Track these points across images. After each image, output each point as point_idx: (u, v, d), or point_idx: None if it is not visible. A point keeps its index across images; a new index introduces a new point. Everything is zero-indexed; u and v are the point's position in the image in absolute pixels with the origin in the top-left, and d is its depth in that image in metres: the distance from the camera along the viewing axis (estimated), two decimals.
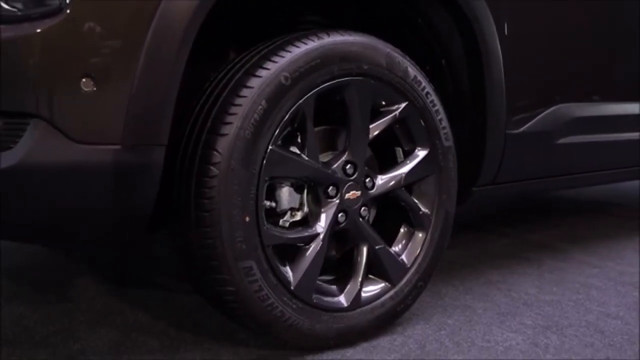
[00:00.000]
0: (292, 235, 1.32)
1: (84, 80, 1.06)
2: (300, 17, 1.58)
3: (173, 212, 1.26)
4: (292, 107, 1.26)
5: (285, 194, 1.33)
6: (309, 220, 1.37)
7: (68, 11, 1.03)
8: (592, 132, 1.92)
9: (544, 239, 2.51)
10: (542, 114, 1.77)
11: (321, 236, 1.34)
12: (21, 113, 1.05)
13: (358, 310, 1.41)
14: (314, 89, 1.29)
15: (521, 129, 1.72)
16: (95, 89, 1.06)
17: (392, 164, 1.50)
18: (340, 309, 1.38)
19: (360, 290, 1.41)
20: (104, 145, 1.09)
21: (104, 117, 1.08)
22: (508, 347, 1.42)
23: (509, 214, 3.11)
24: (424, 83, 1.46)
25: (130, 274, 1.99)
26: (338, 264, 1.48)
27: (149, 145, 1.12)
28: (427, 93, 1.47)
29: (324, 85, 1.30)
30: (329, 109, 1.37)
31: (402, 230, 1.53)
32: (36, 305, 1.64)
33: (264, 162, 1.23)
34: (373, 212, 1.51)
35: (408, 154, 1.50)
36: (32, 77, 1.04)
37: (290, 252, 1.34)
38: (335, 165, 1.37)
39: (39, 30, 1.03)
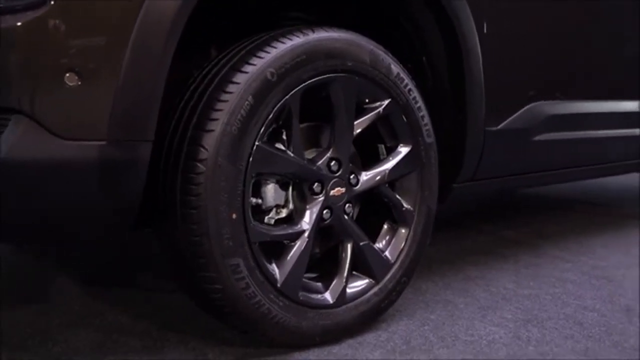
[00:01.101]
0: (279, 232, 1.31)
1: (68, 74, 1.03)
2: (283, 13, 1.57)
3: (157, 210, 1.24)
4: (278, 103, 1.25)
5: (271, 190, 1.33)
6: (294, 217, 1.36)
7: (52, 2, 1.01)
8: (566, 130, 1.96)
9: (518, 235, 2.56)
10: (519, 112, 1.80)
11: (307, 233, 1.34)
12: (1, 108, 1.02)
13: (343, 307, 1.41)
14: (300, 85, 1.28)
15: (499, 126, 1.75)
16: (79, 83, 1.03)
17: (375, 160, 1.51)
18: (326, 306, 1.38)
19: (345, 287, 1.41)
20: (89, 141, 1.06)
21: (89, 113, 1.05)
22: (491, 341, 1.44)
23: (487, 211, 3.16)
24: (407, 80, 1.47)
25: (106, 274, 1.95)
26: (321, 261, 1.47)
27: (135, 141, 1.10)
28: (410, 90, 1.48)
29: (309, 82, 1.30)
30: (311, 105, 1.36)
31: (385, 226, 1.53)
32: (8, 307, 1.59)
33: (251, 158, 1.22)
34: (357, 209, 1.51)
35: (391, 151, 1.51)
36: (14, 71, 1.01)
37: (276, 249, 1.33)
38: (320, 162, 1.37)
39: (21, 23, 1.00)
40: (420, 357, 1.35)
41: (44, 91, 1.02)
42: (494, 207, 3.29)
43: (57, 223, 1.11)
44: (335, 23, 1.40)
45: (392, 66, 1.44)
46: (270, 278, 1.28)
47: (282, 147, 1.32)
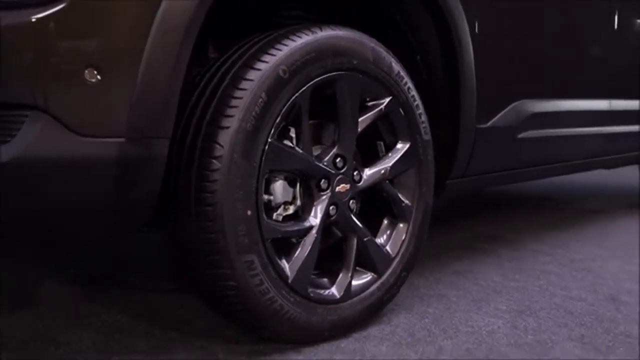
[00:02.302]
0: (290, 228, 1.32)
1: (87, 70, 1.01)
2: (284, 12, 1.58)
3: (167, 207, 1.23)
4: (289, 100, 1.26)
5: (280, 187, 1.33)
6: (302, 213, 1.37)
7: None
8: (548, 127, 2.03)
9: (493, 230, 2.63)
10: (505, 110, 1.86)
11: (315, 229, 1.35)
12: (19, 105, 1.00)
13: (349, 301, 1.43)
14: (309, 82, 1.30)
15: (488, 124, 1.80)
16: (99, 79, 1.02)
17: (374, 157, 1.53)
18: (334, 301, 1.39)
19: (350, 282, 1.43)
20: (107, 138, 1.05)
21: (107, 109, 1.04)
22: (491, 331, 1.48)
23: (457, 207, 3.23)
24: (406, 78, 1.50)
25: (97, 275, 1.91)
26: (323, 257, 1.49)
27: (153, 138, 1.09)
28: (409, 88, 1.51)
29: (317, 79, 1.31)
30: (314, 103, 1.37)
31: (385, 222, 1.56)
32: (3, 310, 1.55)
33: (264, 155, 1.23)
34: (358, 205, 1.53)
35: (390, 148, 1.54)
36: (32, 67, 0.99)
37: (284, 246, 1.34)
38: (326, 159, 1.38)
39: (40, 17, 0.98)
40: (426, 349, 1.38)
41: (63, 87, 1.00)
42: (464, 204, 3.38)
43: (73, 222, 1.09)
44: (333, 22, 1.42)
45: (393, 64, 1.47)
46: (282, 274, 1.29)
47: (290, 144, 1.33)
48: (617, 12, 2.37)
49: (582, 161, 2.34)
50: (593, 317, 1.59)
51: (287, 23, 1.45)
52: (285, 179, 1.35)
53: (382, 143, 1.55)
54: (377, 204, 1.56)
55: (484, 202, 3.44)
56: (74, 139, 1.02)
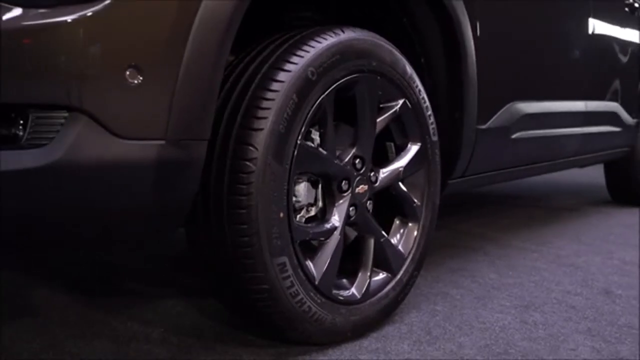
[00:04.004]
0: (316, 230, 1.32)
1: (129, 71, 0.99)
2: (291, 13, 1.58)
3: (195, 210, 1.21)
4: (316, 102, 1.27)
5: (304, 189, 1.33)
6: (325, 215, 1.37)
7: None
8: (537, 128, 2.10)
9: (475, 229, 2.70)
10: (501, 111, 1.91)
11: (338, 230, 1.36)
12: (56, 106, 0.96)
13: (367, 301, 1.44)
14: (334, 84, 1.30)
15: (486, 125, 1.85)
16: (140, 80, 1.00)
17: (385, 158, 1.55)
18: (355, 302, 1.40)
19: (370, 282, 1.44)
20: (147, 140, 1.02)
21: (148, 111, 1.02)
22: (503, 327, 1.52)
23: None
24: (417, 80, 1.53)
25: (91, 282, 1.86)
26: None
27: (192, 140, 1.07)
28: (420, 90, 1.54)
29: (341, 81, 1.32)
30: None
31: (396, 222, 1.58)
32: (3, 323, 1.48)
33: (294, 157, 1.23)
34: (372, 206, 1.55)
35: (401, 149, 1.56)
36: (73, 68, 0.95)
37: (309, 247, 1.34)
38: (345, 160, 1.39)
39: (82, 16, 0.95)
40: (446, 346, 1.40)
41: (104, 88, 0.97)
42: (443, 203, 3.43)
43: (111, 225, 1.06)
44: (340, 23, 1.43)
45: (407, 67, 1.49)
46: (309, 276, 1.29)
47: (313, 146, 1.33)
48: (592, 23, 2.49)
49: (564, 160, 2.43)
50: (594, 310, 1.66)
51: (295, 24, 1.45)
52: (308, 180, 1.35)
53: (392, 144, 1.57)
54: (387, 205, 1.57)
55: (462, 202, 3.51)
56: (114, 141, 0.99)
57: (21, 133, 0.97)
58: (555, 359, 1.34)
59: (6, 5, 0.93)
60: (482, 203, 3.47)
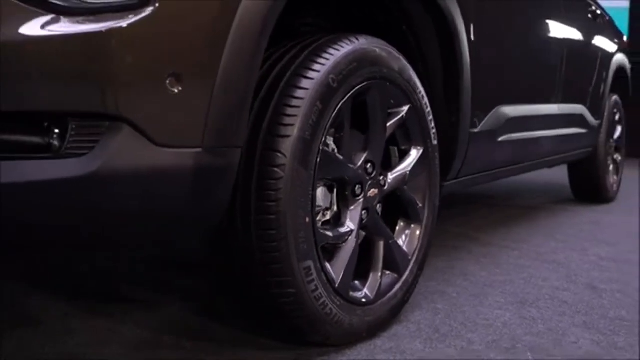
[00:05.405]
0: (334, 233, 1.35)
1: (169, 80, 0.99)
2: (297, 18, 1.60)
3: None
4: (336, 108, 1.29)
5: (322, 194, 1.36)
6: (340, 219, 1.40)
7: (157, 4, 0.97)
8: (520, 131, 2.19)
9: (454, 228, 2.78)
10: (489, 114, 1.98)
11: (354, 233, 1.39)
12: (97, 114, 0.96)
13: (379, 302, 1.47)
14: (351, 91, 1.33)
15: (477, 128, 1.91)
16: (181, 89, 1.00)
17: (389, 162, 1.59)
18: (369, 302, 1.44)
19: (381, 283, 1.48)
20: (185, 148, 1.03)
21: (187, 119, 1.03)
22: (505, 323, 1.59)
23: None
24: (420, 86, 1.58)
25: (90, 289, 1.82)
26: None
27: (227, 148, 1.08)
28: (423, 96, 1.59)
29: (357, 88, 1.35)
30: None
31: (400, 224, 1.62)
32: (3, 333, 1.45)
33: (317, 162, 1.25)
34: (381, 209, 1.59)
35: (404, 153, 1.60)
36: (114, 76, 0.96)
37: (325, 251, 1.37)
38: (358, 164, 1.42)
39: (124, 24, 0.95)
40: (456, 343, 1.45)
41: (145, 97, 0.98)
42: None
43: (149, 233, 1.06)
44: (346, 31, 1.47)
45: (412, 73, 1.53)
46: (330, 279, 1.31)
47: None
48: (562, 28, 2.61)
49: (541, 160, 2.54)
50: (584, 305, 1.75)
51: (302, 30, 1.48)
52: (324, 185, 1.38)
53: (395, 149, 1.61)
54: (391, 207, 1.61)
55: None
56: (153, 150, 1.00)
57: (57, 143, 0.97)
58: (562, 354, 1.41)
59: (49, 13, 0.93)
60: (454, 203, 3.56)
